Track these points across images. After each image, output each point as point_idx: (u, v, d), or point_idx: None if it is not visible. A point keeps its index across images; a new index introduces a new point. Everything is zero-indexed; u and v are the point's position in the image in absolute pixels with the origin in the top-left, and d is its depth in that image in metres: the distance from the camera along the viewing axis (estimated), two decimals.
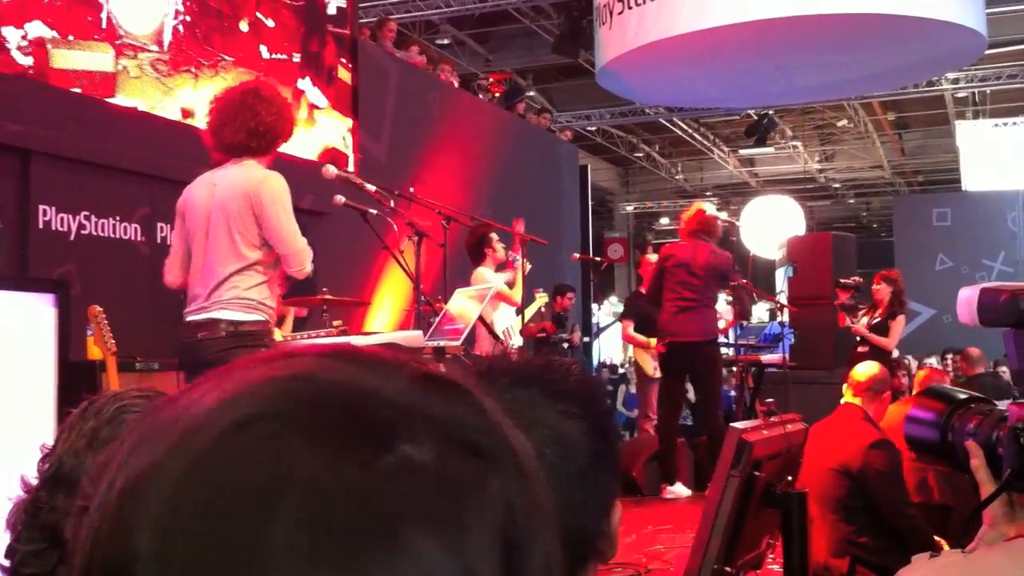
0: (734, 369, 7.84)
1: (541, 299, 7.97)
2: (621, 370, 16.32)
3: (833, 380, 7.99)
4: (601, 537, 1.05)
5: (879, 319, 8.19)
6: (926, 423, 1.56)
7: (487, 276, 6.49)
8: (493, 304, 6.29)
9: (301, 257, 3.88)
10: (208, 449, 0.45)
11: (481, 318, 5.76)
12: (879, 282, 8.34)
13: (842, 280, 8.44)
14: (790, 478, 2.87)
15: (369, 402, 0.47)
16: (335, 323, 5.73)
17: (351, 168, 8.56)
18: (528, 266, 6.78)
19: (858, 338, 8.30)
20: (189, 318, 3.90)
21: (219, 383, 0.49)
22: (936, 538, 4.00)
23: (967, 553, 1.37)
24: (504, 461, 0.49)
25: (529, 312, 7.67)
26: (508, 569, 0.46)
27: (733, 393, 14.20)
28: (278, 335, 5.19)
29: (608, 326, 16.58)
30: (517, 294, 6.69)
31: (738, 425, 2.72)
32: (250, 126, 3.84)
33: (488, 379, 1.06)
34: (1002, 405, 1.48)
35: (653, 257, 8.78)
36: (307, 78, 8.66)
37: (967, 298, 1.61)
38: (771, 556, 3.08)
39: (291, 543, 0.42)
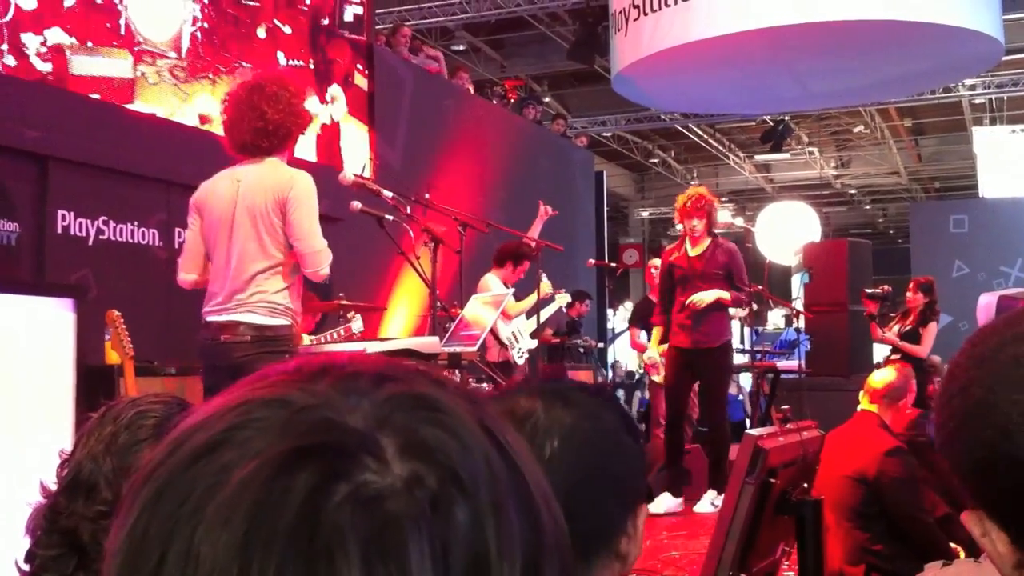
0: (750, 375, 7.80)
1: (562, 299, 7.92)
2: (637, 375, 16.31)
3: (849, 387, 7.95)
4: (624, 536, 1.05)
5: (910, 327, 8.09)
6: None
7: (491, 284, 6.51)
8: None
9: (320, 258, 3.84)
10: (176, 473, 0.48)
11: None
12: (915, 291, 8.20)
13: (869, 290, 8.36)
14: (805, 485, 2.87)
15: (335, 429, 0.48)
16: (349, 315, 5.75)
17: (367, 172, 8.59)
18: (548, 287, 6.80)
19: (889, 347, 8.22)
20: (210, 318, 3.84)
21: (216, 401, 0.51)
22: (952, 546, 3.98)
23: (980, 562, 1.36)
24: (479, 492, 0.47)
25: (548, 311, 7.64)
26: None
27: (741, 397, 14.22)
28: (306, 340, 5.20)
29: (623, 332, 16.54)
30: (520, 305, 6.73)
31: (754, 432, 2.72)
32: (257, 126, 3.78)
33: (530, 381, 1.09)
34: None
35: (659, 262, 8.74)
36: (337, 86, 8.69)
37: (986, 304, 1.62)
38: (786, 563, 3.07)
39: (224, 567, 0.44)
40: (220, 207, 3.85)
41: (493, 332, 6.12)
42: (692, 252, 6.44)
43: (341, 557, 0.44)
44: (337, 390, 0.50)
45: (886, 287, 8.48)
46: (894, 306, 8.60)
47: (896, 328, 8.14)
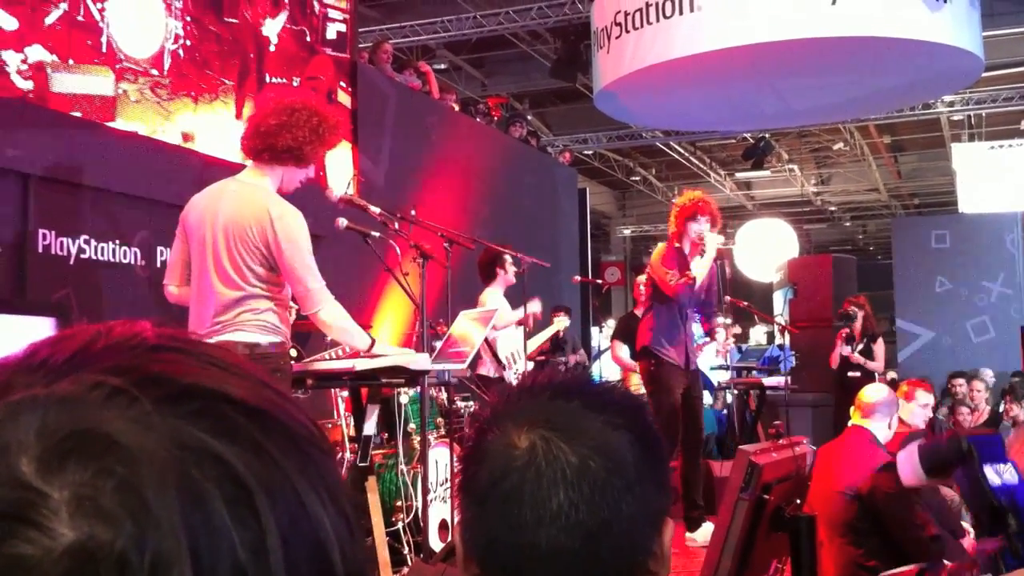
0: (735, 391, 7.80)
1: (560, 323, 7.93)
2: None
3: (832, 403, 7.96)
4: (651, 556, 1.01)
5: (863, 344, 8.40)
6: None
7: (493, 297, 6.48)
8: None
9: (317, 297, 3.80)
10: None
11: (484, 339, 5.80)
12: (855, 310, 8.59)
13: (841, 311, 8.55)
14: (799, 501, 2.85)
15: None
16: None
17: (351, 190, 8.56)
18: (565, 325, 6.87)
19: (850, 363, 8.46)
20: None
21: None
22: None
23: None
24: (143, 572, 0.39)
25: (543, 335, 7.64)
26: None
27: (725, 411, 14.20)
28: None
29: (607, 349, 16.51)
30: (538, 339, 6.81)
31: (747, 448, 2.71)
32: (308, 135, 3.82)
33: (530, 393, 1.03)
34: None
35: (645, 278, 8.77)
36: None
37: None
38: None
39: None
40: (201, 226, 3.83)
41: (491, 348, 6.09)
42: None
43: None
44: (8, 410, 0.42)
45: (853, 307, 8.61)
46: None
47: (849, 348, 8.42)
